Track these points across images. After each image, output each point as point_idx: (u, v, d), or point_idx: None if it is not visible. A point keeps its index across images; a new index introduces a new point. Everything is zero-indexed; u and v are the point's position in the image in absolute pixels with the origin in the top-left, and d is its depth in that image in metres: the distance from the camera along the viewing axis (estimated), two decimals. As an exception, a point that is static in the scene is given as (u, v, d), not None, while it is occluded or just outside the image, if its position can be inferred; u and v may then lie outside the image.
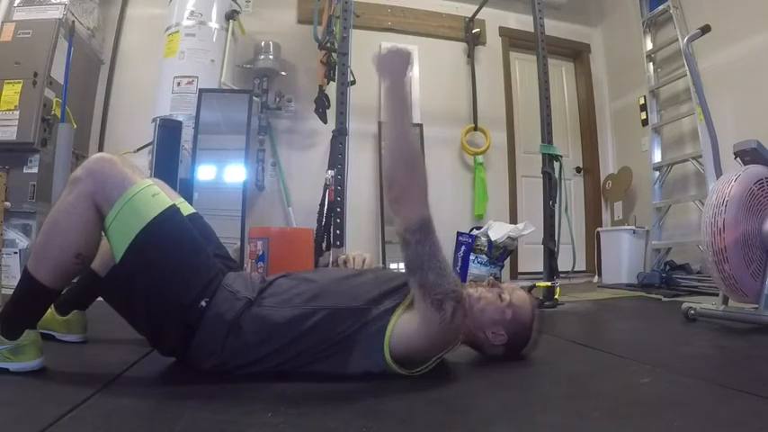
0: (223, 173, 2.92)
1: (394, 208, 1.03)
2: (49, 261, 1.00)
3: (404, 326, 1.04)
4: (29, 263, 1.02)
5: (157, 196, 1.04)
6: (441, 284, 1.01)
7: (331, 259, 1.34)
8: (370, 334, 1.04)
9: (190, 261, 1.06)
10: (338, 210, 2.43)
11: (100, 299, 1.29)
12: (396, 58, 1.07)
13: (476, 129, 4.02)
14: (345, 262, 1.37)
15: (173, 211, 1.05)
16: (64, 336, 1.36)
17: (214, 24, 3.15)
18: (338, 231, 2.41)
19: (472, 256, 3.27)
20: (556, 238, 2.76)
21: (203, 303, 1.02)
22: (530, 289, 2.39)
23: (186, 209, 1.29)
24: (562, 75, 4.48)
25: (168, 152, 2.69)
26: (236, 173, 2.93)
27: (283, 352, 1.05)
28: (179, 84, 3.00)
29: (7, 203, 1.97)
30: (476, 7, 3.97)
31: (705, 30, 2.20)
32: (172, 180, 2.52)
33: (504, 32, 4.27)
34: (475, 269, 3.24)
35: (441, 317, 1.01)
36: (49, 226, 1.02)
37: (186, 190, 2.72)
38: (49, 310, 1.34)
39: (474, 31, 4.12)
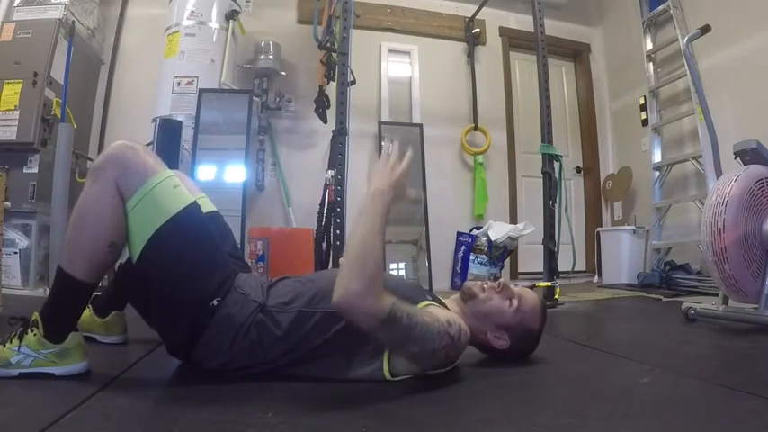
0: (223, 173, 2.92)
1: (344, 313, 0.94)
2: (82, 254, 1.00)
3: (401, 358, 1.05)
4: (61, 260, 1.01)
5: (178, 188, 1.04)
6: (424, 349, 1.00)
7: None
8: (369, 351, 1.04)
9: (206, 260, 1.06)
10: (338, 210, 2.43)
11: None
12: (390, 170, 1.03)
13: (476, 129, 4.02)
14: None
15: (194, 208, 1.06)
16: (104, 337, 1.37)
17: (214, 24, 3.15)
18: (338, 231, 2.41)
19: (472, 256, 3.27)
20: (556, 238, 2.76)
21: (215, 302, 1.03)
22: (530, 289, 2.40)
23: (208, 205, 1.29)
24: (562, 75, 4.48)
25: (168, 152, 2.69)
26: (236, 173, 2.93)
27: (287, 356, 1.05)
28: (179, 84, 3.00)
29: (7, 203, 1.97)
30: (476, 7, 3.97)
31: (705, 30, 2.20)
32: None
33: (504, 32, 4.27)
34: (475, 269, 3.24)
35: (434, 361, 1.04)
36: (77, 219, 1.00)
37: (186, 190, 2.71)
38: (89, 312, 1.36)
39: (474, 31, 4.12)
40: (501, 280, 1.24)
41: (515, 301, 1.19)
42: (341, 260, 0.97)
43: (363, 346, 1.04)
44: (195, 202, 1.08)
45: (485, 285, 1.22)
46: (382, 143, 1.06)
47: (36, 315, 1.02)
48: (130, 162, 1.00)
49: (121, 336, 1.40)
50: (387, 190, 1.01)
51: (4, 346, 1.01)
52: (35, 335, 1.00)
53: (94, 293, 1.36)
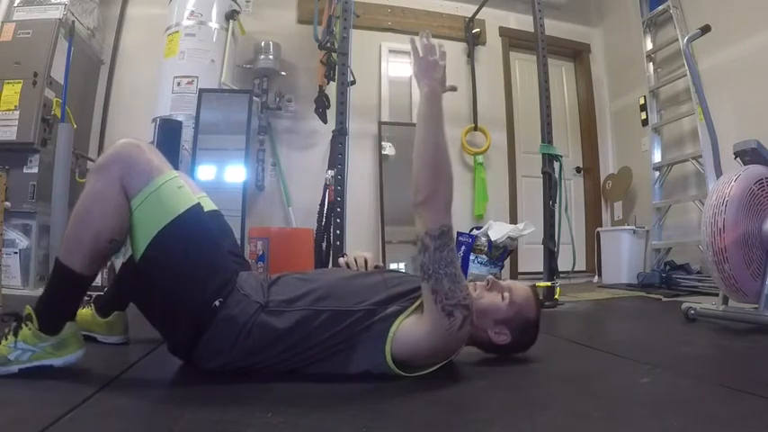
0: (223, 173, 2.93)
1: (418, 211, 1.05)
2: (82, 248, 0.99)
3: (409, 329, 1.05)
4: (60, 254, 1.01)
5: (182, 189, 1.04)
6: (454, 292, 1.02)
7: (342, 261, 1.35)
8: (374, 335, 1.04)
9: (209, 261, 1.06)
10: (338, 210, 2.43)
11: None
12: (435, 65, 1.10)
13: (476, 129, 4.02)
14: (348, 264, 1.36)
15: (197, 209, 1.06)
16: (106, 337, 1.38)
17: (214, 24, 3.15)
18: (338, 231, 2.41)
19: (472, 256, 3.27)
20: (556, 238, 2.76)
21: (217, 303, 1.03)
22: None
23: (208, 205, 1.30)
24: (562, 75, 4.48)
25: (168, 152, 2.66)
26: (236, 173, 2.94)
27: (290, 352, 1.05)
28: (179, 84, 3.00)
29: (7, 203, 1.97)
30: (476, 7, 3.97)
31: (705, 30, 2.20)
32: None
33: (504, 32, 4.27)
34: (475, 269, 3.23)
35: (449, 323, 1.02)
36: (80, 214, 1.00)
37: (186, 190, 2.72)
38: (91, 312, 1.37)
39: (474, 31, 4.12)
40: (489, 277, 1.24)
41: (507, 295, 1.19)
42: (414, 167, 1.05)
43: (365, 334, 1.04)
44: (199, 203, 1.08)
45: (474, 285, 1.22)
46: (416, 38, 1.13)
47: (29, 309, 1.02)
48: (136, 160, 1.00)
49: (123, 336, 1.40)
50: (439, 88, 1.10)
51: (0, 343, 1.01)
52: (30, 329, 1.00)
53: (97, 294, 1.37)
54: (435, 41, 1.13)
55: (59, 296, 1.04)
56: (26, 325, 1.00)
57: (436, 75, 1.10)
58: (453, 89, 1.14)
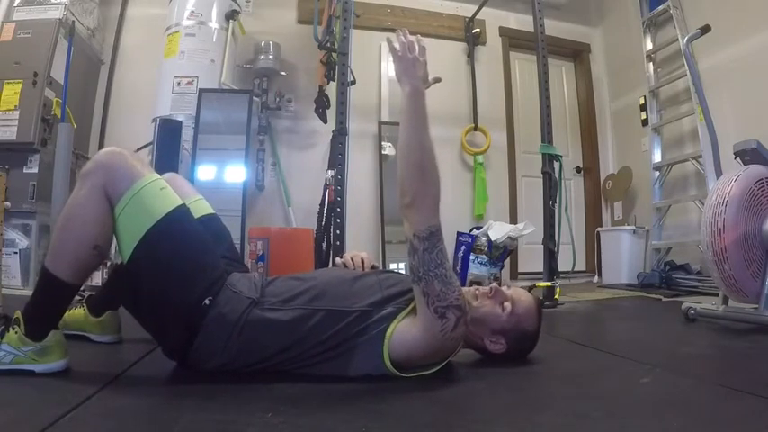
0: (223, 173, 2.92)
1: (405, 214, 1.04)
2: (67, 256, 1.01)
3: (404, 331, 1.04)
4: (47, 261, 1.02)
5: (165, 191, 1.05)
6: (445, 293, 1.01)
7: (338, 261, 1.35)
8: (370, 337, 1.04)
9: (196, 261, 1.06)
10: (338, 210, 2.43)
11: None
12: (415, 62, 1.07)
13: (476, 129, 4.02)
14: (345, 264, 1.36)
15: (182, 210, 1.07)
16: (99, 337, 1.38)
17: (214, 24, 3.15)
18: (338, 231, 2.41)
19: (472, 256, 3.27)
20: (556, 238, 2.76)
21: (206, 302, 1.03)
22: (529, 289, 2.40)
23: (204, 208, 1.30)
24: (562, 75, 4.48)
25: (168, 152, 2.69)
26: (236, 173, 2.93)
27: (286, 353, 1.05)
28: (179, 84, 3.00)
29: (7, 203, 1.97)
30: (476, 7, 3.97)
31: (705, 30, 2.20)
32: (172, 180, 2.52)
33: (504, 32, 4.27)
34: (475, 269, 3.23)
35: (442, 325, 1.02)
36: (63, 221, 1.02)
37: (186, 190, 2.72)
38: (84, 311, 1.37)
39: (474, 31, 4.12)
40: (493, 285, 1.21)
41: (508, 305, 1.17)
42: (399, 168, 1.04)
43: (362, 337, 1.04)
44: (183, 204, 1.08)
45: (477, 292, 1.20)
46: (392, 37, 1.11)
47: (18, 313, 1.03)
48: (118, 167, 1.01)
49: (116, 335, 1.40)
50: (422, 86, 1.07)
51: None
52: (16, 333, 1.01)
53: (90, 293, 1.37)
54: (413, 37, 1.09)
55: (44, 303, 1.04)
56: (13, 328, 1.02)
57: (418, 72, 1.07)
58: (437, 81, 1.11)
